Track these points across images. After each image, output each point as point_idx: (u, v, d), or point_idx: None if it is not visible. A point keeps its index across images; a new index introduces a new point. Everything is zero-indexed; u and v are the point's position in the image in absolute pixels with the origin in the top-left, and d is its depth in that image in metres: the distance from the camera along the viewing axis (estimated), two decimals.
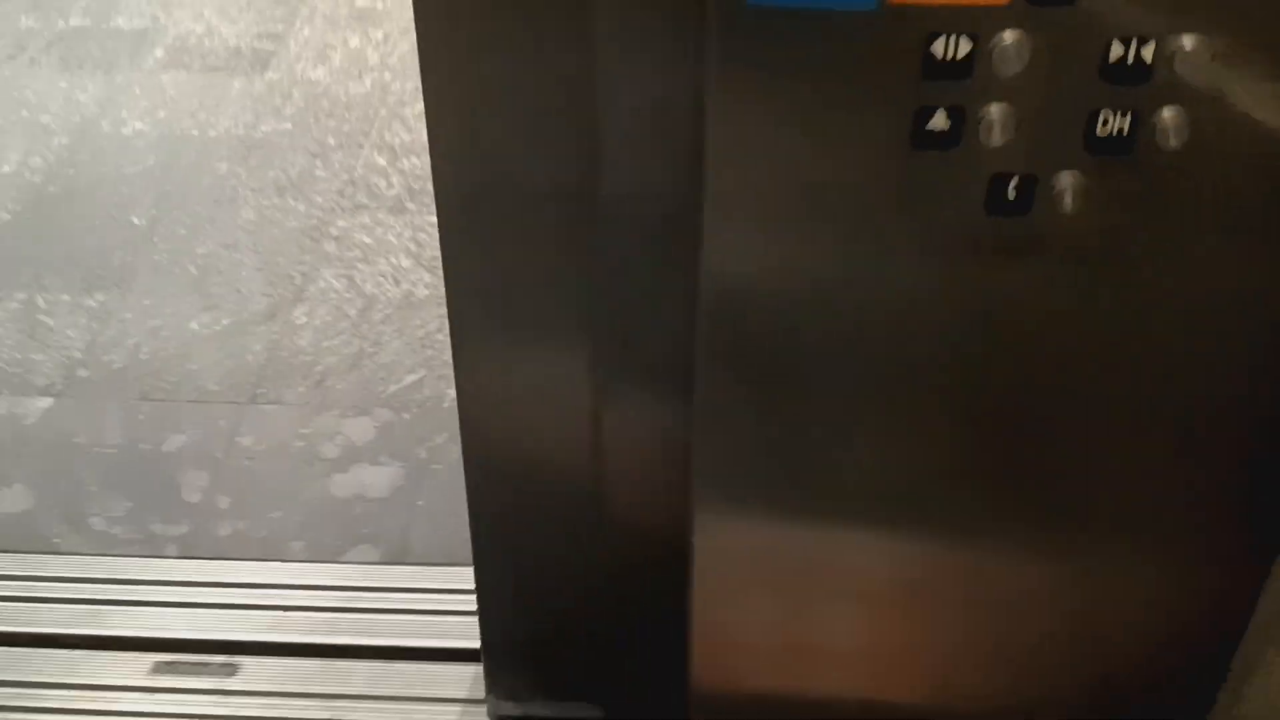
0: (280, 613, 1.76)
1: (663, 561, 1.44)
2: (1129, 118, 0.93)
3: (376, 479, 1.96)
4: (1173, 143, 0.93)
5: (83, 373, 2.16)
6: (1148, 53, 0.90)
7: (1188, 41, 0.90)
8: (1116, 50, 0.90)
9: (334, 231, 2.44)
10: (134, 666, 1.70)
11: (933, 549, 1.30)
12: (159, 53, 3.00)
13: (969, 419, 1.18)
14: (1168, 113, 0.92)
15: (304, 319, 2.25)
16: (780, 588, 1.38)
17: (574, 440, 1.37)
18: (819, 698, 1.47)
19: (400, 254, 2.39)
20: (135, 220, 2.48)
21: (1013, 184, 0.97)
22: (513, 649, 1.57)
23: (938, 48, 0.91)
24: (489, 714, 1.62)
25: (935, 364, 1.12)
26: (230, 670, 1.69)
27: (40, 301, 2.30)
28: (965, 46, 0.91)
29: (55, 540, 1.88)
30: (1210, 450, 1.18)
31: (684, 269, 1.16)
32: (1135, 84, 0.91)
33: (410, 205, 2.50)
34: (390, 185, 2.56)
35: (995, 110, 0.93)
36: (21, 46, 3.04)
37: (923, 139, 0.95)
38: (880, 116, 0.95)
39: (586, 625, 1.54)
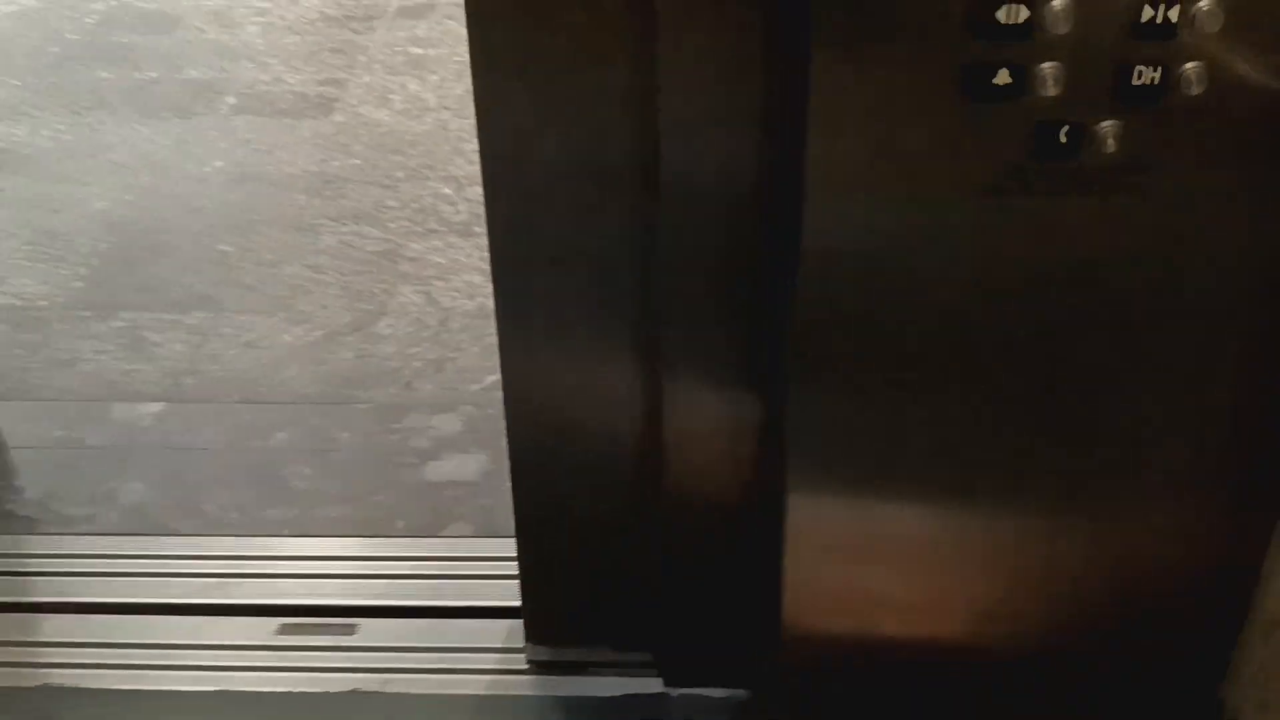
0: (390, 580, 1.93)
1: (721, 521, 1.61)
2: (1158, 70, 1.12)
3: (466, 466, 2.14)
4: (1195, 91, 1.12)
5: (187, 381, 2.35)
6: (1173, 13, 1.09)
7: (1205, 3, 1.09)
8: (1147, 12, 1.09)
9: (409, 254, 2.64)
10: (260, 629, 1.87)
11: (988, 506, 1.49)
12: (230, 99, 3.22)
13: (1023, 366, 1.36)
14: (1190, 65, 1.11)
15: (388, 330, 2.44)
16: (858, 544, 1.55)
17: (630, 413, 1.56)
18: (891, 637, 1.63)
19: (472, 272, 2.58)
20: (223, 248, 2.68)
21: (1063, 131, 1.15)
22: (556, 601, 1.76)
23: (1001, 14, 1.10)
24: (527, 659, 1.80)
25: (997, 304, 1.30)
26: (349, 630, 1.86)
27: (142, 320, 2.49)
28: (1024, 13, 1.10)
29: (176, 526, 2.05)
30: (1232, 389, 1.36)
31: (748, 251, 1.36)
32: (1163, 40, 1.11)
33: (477, 229, 2.70)
34: (458, 211, 2.76)
35: (1048, 66, 1.12)
36: (101, 97, 3.26)
37: (988, 92, 1.14)
38: (952, 75, 1.14)
39: (638, 581, 1.70)
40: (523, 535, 1.69)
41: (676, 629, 1.74)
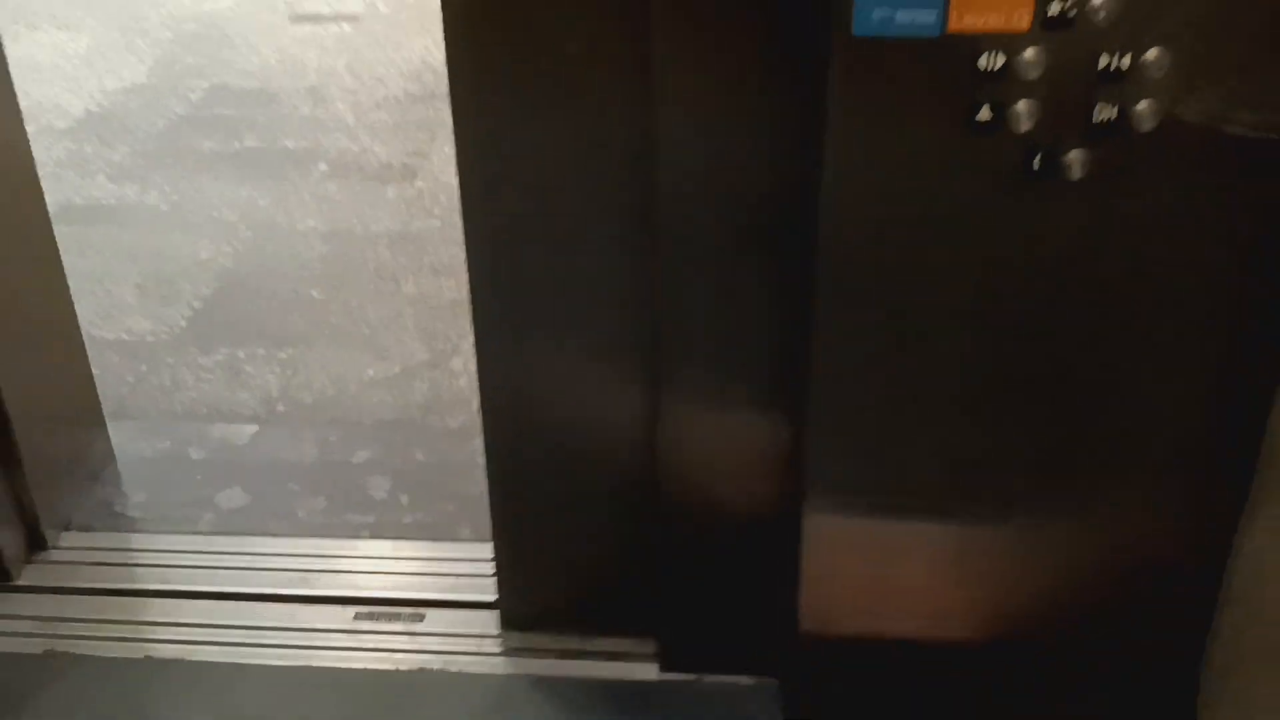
0: (455, 578, 2.15)
1: (719, 519, 1.82)
2: (1116, 108, 1.34)
3: None
4: (1146, 126, 1.34)
5: (280, 407, 2.60)
6: (1125, 62, 1.32)
7: (1152, 54, 1.31)
8: (1104, 60, 1.32)
9: None
10: (339, 616, 2.09)
11: (987, 517, 1.68)
12: (323, 166, 3.52)
13: (1013, 371, 1.56)
14: (1142, 105, 1.33)
15: (460, 367, 2.69)
16: (869, 552, 1.75)
17: (618, 422, 1.77)
18: (897, 634, 1.82)
19: None
20: (314, 294, 2.95)
21: (1037, 158, 1.38)
22: (537, 592, 1.98)
23: (982, 61, 1.33)
24: (501, 645, 2.02)
25: (994, 307, 1.51)
26: (418, 618, 2.08)
27: (240, 355, 2.76)
28: (1001, 60, 1.33)
29: (268, 528, 2.29)
30: (1200, 384, 1.55)
31: (747, 273, 1.59)
32: (1119, 84, 1.33)
33: None
34: None
35: (1022, 105, 1.34)
36: (207, 163, 3.57)
37: (972, 126, 1.36)
38: (942, 110, 1.37)
39: (637, 576, 1.90)
40: (500, 536, 1.94)
41: (673, 616, 1.93)
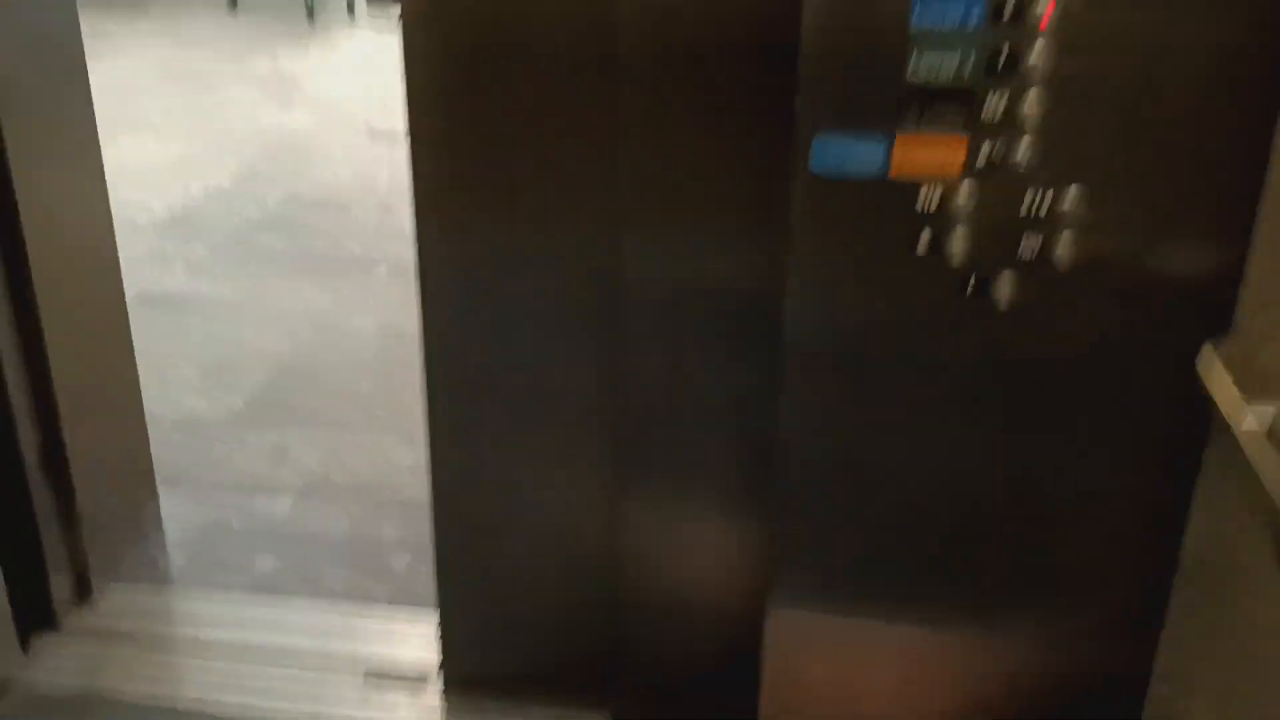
0: None
1: (680, 609, 1.99)
2: (1040, 241, 1.53)
3: None
4: (1067, 260, 1.53)
5: (319, 485, 2.81)
6: (1045, 205, 1.51)
7: (1070, 198, 1.51)
8: (1029, 198, 1.51)
9: None
10: (351, 675, 2.27)
11: (941, 622, 1.84)
12: (382, 270, 3.78)
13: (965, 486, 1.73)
14: (1063, 241, 1.53)
15: None
16: (831, 648, 1.90)
17: (584, 515, 1.96)
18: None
19: None
20: (363, 386, 3.18)
21: (971, 283, 1.57)
22: (491, 662, 2.16)
23: (921, 198, 1.53)
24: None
25: (943, 405, 1.67)
26: (423, 678, 2.25)
27: (288, 436, 2.98)
28: (938, 197, 1.53)
29: (295, 592, 2.48)
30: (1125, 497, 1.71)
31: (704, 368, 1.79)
32: (1042, 220, 1.52)
33: None
34: None
35: (958, 235, 1.54)
36: (276, 262, 3.85)
37: (913, 253, 1.56)
38: (887, 238, 1.56)
39: (593, 644, 2.07)
40: (444, 604, 2.14)
41: (625, 688, 2.09)
